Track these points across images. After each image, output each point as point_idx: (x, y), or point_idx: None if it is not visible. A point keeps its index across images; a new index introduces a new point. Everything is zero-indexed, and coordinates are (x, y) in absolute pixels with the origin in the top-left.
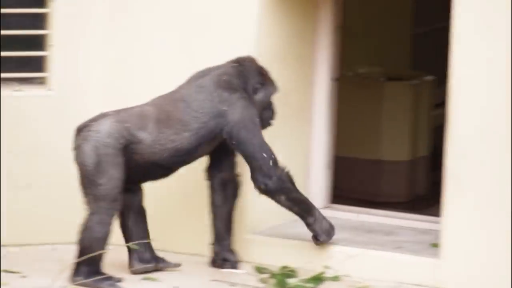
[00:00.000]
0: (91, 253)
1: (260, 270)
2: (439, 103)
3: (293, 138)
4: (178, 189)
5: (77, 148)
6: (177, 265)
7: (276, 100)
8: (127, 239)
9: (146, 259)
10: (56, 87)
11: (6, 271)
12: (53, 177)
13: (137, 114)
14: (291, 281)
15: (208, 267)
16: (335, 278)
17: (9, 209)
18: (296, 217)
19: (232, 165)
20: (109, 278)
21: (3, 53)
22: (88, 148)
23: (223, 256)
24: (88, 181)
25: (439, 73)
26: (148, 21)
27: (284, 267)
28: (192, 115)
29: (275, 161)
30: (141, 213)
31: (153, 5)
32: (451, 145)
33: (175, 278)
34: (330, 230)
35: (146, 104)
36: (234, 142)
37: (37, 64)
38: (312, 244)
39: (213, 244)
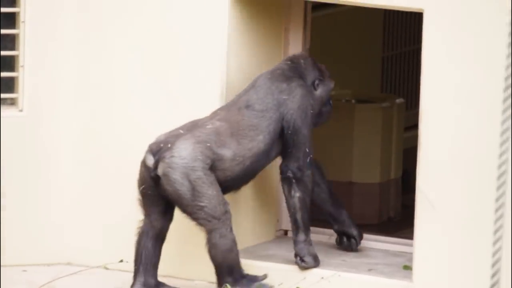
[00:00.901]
0: (227, 266)
1: None
2: (409, 126)
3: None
4: None
5: (164, 176)
6: None
7: None
8: (140, 259)
9: (150, 284)
10: (27, 108)
11: None
12: (25, 198)
13: (212, 131)
14: None
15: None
16: None
17: None
18: (271, 238)
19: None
20: (255, 277)
21: None
22: (178, 176)
23: (346, 233)
24: (191, 208)
25: (408, 96)
26: (119, 43)
27: (259, 286)
28: (259, 116)
29: (310, 160)
30: (162, 240)
31: (125, 27)
32: (423, 168)
33: None
34: (316, 256)
35: (212, 118)
36: (290, 131)
37: (8, 85)
38: (285, 266)
39: (332, 226)
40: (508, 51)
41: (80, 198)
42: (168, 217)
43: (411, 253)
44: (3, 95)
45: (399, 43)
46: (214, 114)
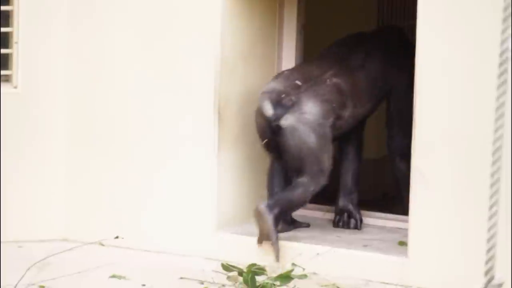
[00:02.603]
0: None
1: (227, 268)
2: None
3: (258, 138)
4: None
5: (291, 128)
6: (307, 224)
7: (241, 98)
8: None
9: (288, 221)
10: (21, 84)
11: None
12: (20, 174)
13: (334, 90)
14: (260, 279)
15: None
16: (303, 276)
17: None
18: None
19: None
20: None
21: None
22: (306, 130)
23: (348, 210)
24: (311, 159)
25: None
26: (111, 19)
27: (252, 265)
28: (371, 83)
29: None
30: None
31: (119, 2)
32: (417, 144)
33: (143, 276)
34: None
35: (326, 72)
36: (393, 104)
37: (2, 62)
38: (281, 242)
39: (339, 198)
40: (502, 26)
41: (75, 174)
42: None
43: (406, 229)
44: None
45: (394, 18)
46: (327, 67)
